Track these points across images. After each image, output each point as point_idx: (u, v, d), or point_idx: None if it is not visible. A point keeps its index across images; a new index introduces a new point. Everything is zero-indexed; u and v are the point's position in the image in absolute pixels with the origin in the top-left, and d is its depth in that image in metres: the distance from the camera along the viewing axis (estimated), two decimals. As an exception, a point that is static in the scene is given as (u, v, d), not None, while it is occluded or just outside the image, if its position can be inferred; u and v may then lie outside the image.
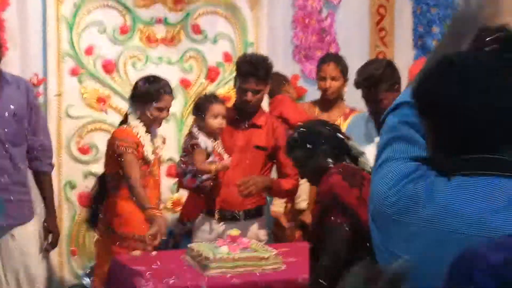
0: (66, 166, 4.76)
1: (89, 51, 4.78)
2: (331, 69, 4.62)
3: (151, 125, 3.98)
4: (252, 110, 4.18)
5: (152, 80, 4.00)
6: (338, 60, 4.70)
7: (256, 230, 4.21)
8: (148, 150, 3.85)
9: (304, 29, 5.37)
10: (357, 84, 3.87)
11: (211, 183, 4.04)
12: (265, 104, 4.62)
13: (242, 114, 4.18)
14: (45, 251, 4.13)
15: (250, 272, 3.34)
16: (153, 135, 4.00)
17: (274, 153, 4.21)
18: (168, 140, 4.31)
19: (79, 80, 4.77)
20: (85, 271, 4.82)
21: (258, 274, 3.33)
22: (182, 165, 4.09)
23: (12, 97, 3.88)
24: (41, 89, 4.68)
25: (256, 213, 4.22)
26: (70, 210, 4.79)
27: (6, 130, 3.83)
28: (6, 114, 3.84)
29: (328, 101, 4.72)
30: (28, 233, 3.98)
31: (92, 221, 4.13)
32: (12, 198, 3.88)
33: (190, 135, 4.09)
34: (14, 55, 4.58)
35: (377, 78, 3.73)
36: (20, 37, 4.62)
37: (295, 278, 3.33)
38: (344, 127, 4.12)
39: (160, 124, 4.01)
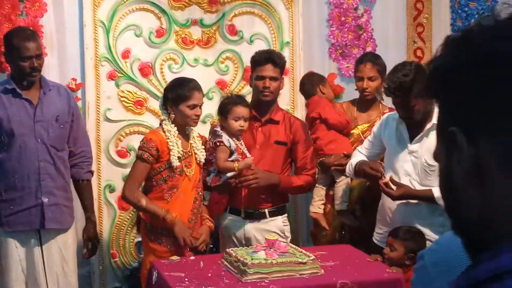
0: (105, 170, 4.79)
1: (125, 54, 4.80)
2: (368, 69, 4.58)
3: (185, 127, 4.00)
4: (270, 99, 4.29)
5: (179, 82, 4.06)
6: (375, 59, 4.66)
7: (282, 227, 4.30)
8: (174, 155, 3.86)
9: (340, 26, 5.32)
10: (387, 92, 3.82)
11: (236, 181, 4.08)
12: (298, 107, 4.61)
13: (260, 111, 4.30)
14: (84, 258, 4.21)
15: (287, 278, 3.33)
16: (188, 137, 4.02)
17: (292, 148, 4.31)
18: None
19: (116, 83, 4.80)
20: (126, 273, 4.86)
21: (296, 279, 3.32)
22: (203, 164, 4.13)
23: (54, 102, 3.98)
24: (79, 93, 4.71)
25: (280, 210, 4.33)
26: (110, 214, 4.82)
27: (49, 134, 3.92)
28: (48, 119, 3.92)
29: (367, 100, 4.69)
30: (69, 240, 4.05)
31: (139, 224, 4.20)
32: (56, 202, 3.95)
33: (214, 133, 4.12)
34: (52, 60, 4.62)
35: (407, 86, 3.63)
36: (58, 42, 4.66)
37: (333, 283, 3.32)
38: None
39: (196, 123, 4.01)
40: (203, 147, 4.07)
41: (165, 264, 3.62)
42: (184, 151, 3.93)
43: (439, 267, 1.46)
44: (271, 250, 3.49)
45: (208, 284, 3.23)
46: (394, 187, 3.76)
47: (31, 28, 4.24)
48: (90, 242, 4.17)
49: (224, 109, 4.09)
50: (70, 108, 4.06)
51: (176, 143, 3.89)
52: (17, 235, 3.93)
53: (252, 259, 3.37)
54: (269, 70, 4.25)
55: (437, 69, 0.89)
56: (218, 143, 4.03)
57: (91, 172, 4.24)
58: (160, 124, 4.01)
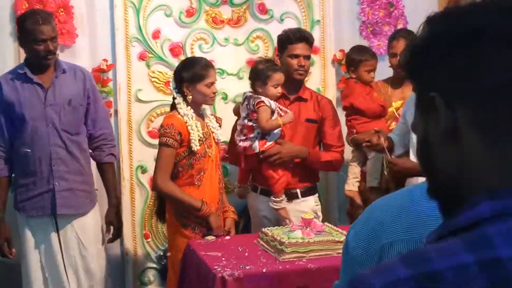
0: (137, 151, 4.78)
1: (156, 35, 4.78)
2: (401, 45, 4.52)
3: (200, 107, 3.95)
4: (303, 78, 4.34)
5: (191, 61, 4.01)
6: (408, 35, 4.59)
7: (314, 207, 4.32)
8: (194, 140, 3.80)
9: (371, 4, 5.25)
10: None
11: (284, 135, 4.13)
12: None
13: (289, 89, 4.29)
14: (108, 242, 4.18)
15: (325, 256, 3.32)
16: (204, 117, 3.98)
17: (320, 124, 4.32)
18: (233, 121, 4.31)
19: (147, 64, 4.78)
20: (158, 253, 4.87)
21: (333, 258, 3.30)
22: (244, 133, 4.10)
23: (67, 86, 3.92)
24: (110, 74, 4.70)
25: (312, 190, 4.35)
26: (142, 194, 4.83)
27: (61, 118, 3.88)
28: (60, 103, 3.88)
29: (400, 77, 4.63)
30: (87, 225, 4.01)
31: (160, 212, 4.10)
32: (70, 187, 3.92)
33: (250, 97, 4.10)
34: (83, 41, 4.62)
35: None
36: (88, 23, 4.65)
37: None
38: None
39: (213, 101, 4.00)
40: (218, 124, 4.04)
41: (201, 244, 3.62)
42: (203, 131, 3.89)
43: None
44: (308, 229, 3.47)
45: (245, 264, 3.21)
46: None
47: (45, 10, 4.15)
48: (112, 226, 4.15)
49: (263, 75, 4.05)
50: (86, 91, 4.00)
51: (196, 126, 3.83)
52: (33, 220, 3.92)
53: (289, 238, 3.35)
54: (303, 48, 4.26)
55: (419, 43, 0.98)
56: (259, 104, 4.01)
57: (113, 155, 4.18)
58: (174, 108, 3.94)
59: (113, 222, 4.15)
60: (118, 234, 4.21)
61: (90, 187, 4.07)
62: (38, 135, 3.84)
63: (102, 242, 4.13)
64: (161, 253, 4.85)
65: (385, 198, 1.44)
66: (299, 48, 4.25)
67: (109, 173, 4.17)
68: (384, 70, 4.78)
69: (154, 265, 4.86)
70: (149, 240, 4.86)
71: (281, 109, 4.14)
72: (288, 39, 4.29)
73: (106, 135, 4.12)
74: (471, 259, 0.82)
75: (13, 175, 3.98)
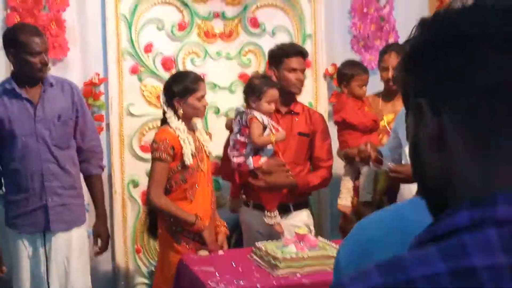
0: (128, 165, 4.77)
1: (148, 48, 4.78)
2: (392, 59, 4.54)
3: (191, 120, 3.92)
4: (300, 91, 4.32)
5: (182, 75, 3.99)
6: (399, 49, 4.61)
7: (307, 220, 4.31)
8: (187, 154, 3.77)
9: (363, 18, 5.28)
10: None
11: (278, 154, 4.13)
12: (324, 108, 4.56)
13: (282, 102, 4.27)
14: (95, 256, 4.13)
15: (319, 272, 3.30)
16: (195, 129, 3.96)
17: (311, 138, 4.33)
18: (225, 135, 4.30)
19: (139, 78, 4.78)
20: (150, 269, 4.84)
21: (327, 273, 3.28)
22: (237, 148, 4.09)
23: (56, 100, 3.87)
24: (102, 88, 4.69)
25: (304, 204, 4.35)
26: (134, 209, 4.81)
27: (51, 133, 3.82)
28: (51, 117, 3.83)
29: (392, 91, 4.65)
30: (72, 239, 3.93)
31: (152, 228, 4.03)
32: (63, 202, 3.86)
33: (243, 113, 4.09)
34: (75, 55, 4.61)
35: None
36: (80, 36, 4.64)
37: (365, 277, 3.28)
38: None
39: (203, 114, 3.97)
40: (207, 137, 4.03)
41: (195, 259, 3.59)
42: (195, 145, 3.86)
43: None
44: (301, 244, 3.45)
45: (240, 279, 3.20)
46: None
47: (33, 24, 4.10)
48: (100, 239, 4.09)
49: (258, 91, 4.03)
50: (74, 104, 3.94)
51: (188, 140, 3.81)
52: (23, 237, 3.84)
53: (283, 253, 3.34)
54: (300, 62, 4.28)
55: (411, 47, 0.97)
56: (251, 120, 4.01)
57: (101, 167, 4.13)
58: (164, 122, 3.91)
59: (101, 235, 4.09)
60: (105, 246, 4.14)
61: (82, 201, 4.02)
62: (29, 151, 3.78)
63: (87, 257, 4.04)
64: (153, 268, 4.82)
65: (376, 214, 1.44)
66: (296, 62, 4.25)
67: (97, 185, 4.11)
68: (375, 84, 4.79)
69: (146, 281, 4.84)
70: (140, 255, 4.84)
71: (273, 127, 4.12)
72: (284, 53, 4.29)
73: (94, 147, 4.06)
74: (444, 268, 0.81)
75: (2, 189, 3.93)
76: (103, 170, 4.18)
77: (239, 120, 4.09)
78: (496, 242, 0.81)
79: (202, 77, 3.99)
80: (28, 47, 3.69)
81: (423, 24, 0.95)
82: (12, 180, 3.83)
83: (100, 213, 4.11)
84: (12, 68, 3.91)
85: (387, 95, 4.71)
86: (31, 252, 3.85)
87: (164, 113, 3.88)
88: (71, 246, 3.91)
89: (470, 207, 0.85)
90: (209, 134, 4.07)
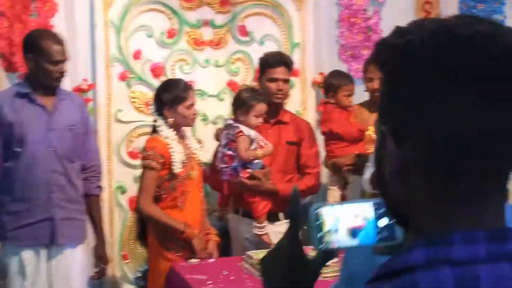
0: (116, 171, 4.75)
1: (137, 55, 4.77)
2: (377, 70, 4.56)
3: (181, 129, 3.93)
4: (282, 101, 4.32)
5: (171, 83, 3.99)
6: None
7: None
8: (176, 163, 3.77)
9: (350, 28, 5.31)
10: None
11: (267, 169, 4.13)
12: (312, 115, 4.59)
13: (269, 112, 4.25)
14: (92, 279, 4.01)
15: (311, 280, 3.31)
16: (185, 137, 3.97)
17: (298, 146, 4.34)
18: (214, 143, 4.30)
19: (127, 84, 4.77)
20: (136, 275, 4.82)
21: (319, 282, 3.29)
22: (225, 161, 4.10)
23: (69, 111, 3.78)
24: (90, 94, 4.67)
25: None
26: (121, 215, 4.79)
27: (62, 144, 3.71)
28: (63, 128, 3.73)
29: (376, 101, 4.67)
30: (76, 258, 3.82)
31: (141, 236, 4.03)
32: (69, 216, 3.74)
33: (230, 126, 4.10)
34: (64, 61, 4.59)
35: None
36: (69, 42, 4.55)
37: (356, 286, 3.30)
38: None
39: (193, 122, 3.99)
40: (199, 145, 4.03)
41: (185, 267, 3.59)
42: (185, 153, 3.88)
43: None
44: (293, 252, 3.46)
45: (233, 287, 3.20)
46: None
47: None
48: (101, 262, 3.97)
49: (246, 105, 4.05)
50: (83, 119, 3.89)
51: (178, 149, 3.81)
52: (24, 250, 3.66)
53: (275, 262, 3.34)
54: (282, 72, 4.26)
55: (382, 73, 0.95)
56: (238, 134, 4.01)
57: (100, 188, 4.05)
58: (155, 130, 3.91)
59: (103, 258, 3.98)
60: (105, 270, 4.06)
61: (85, 217, 3.89)
62: (38, 160, 3.63)
63: (86, 277, 3.96)
64: (140, 275, 4.80)
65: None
66: (278, 72, 4.25)
67: (97, 205, 4.00)
68: (360, 94, 4.82)
69: (132, 287, 4.81)
70: (128, 261, 4.82)
71: (260, 141, 4.14)
72: (267, 63, 4.31)
73: (95, 167, 3.96)
74: None
75: None
76: (101, 191, 4.10)
77: (226, 133, 4.11)
78: (448, 282, 0.82)
79: (191, 85, 3.99)
80: (49, 55, 3.60)
81: (395, 48, 0.90)
82: (14, 189, 3.65)
83: (101, 234, 4.00)
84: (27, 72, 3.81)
85: (372, 105, 4.74)
86: (32, 266, 3.67)
87: (155, 121, 3.88)
88: (76, 263, 3.81)
89: (426, 245, 0.85)
90: (200, 142, 4.06)
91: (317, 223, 1.10)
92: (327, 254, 1.16)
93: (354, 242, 1.10)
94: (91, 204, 3.93)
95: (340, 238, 1.10)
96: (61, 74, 3.67)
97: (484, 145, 0.85)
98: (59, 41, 3.68)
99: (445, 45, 0.86)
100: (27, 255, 3.67)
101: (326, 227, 1.11)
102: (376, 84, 4.57)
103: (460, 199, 0.87)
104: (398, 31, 0.92)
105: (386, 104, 0.93)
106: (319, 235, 1.10)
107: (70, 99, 3.85)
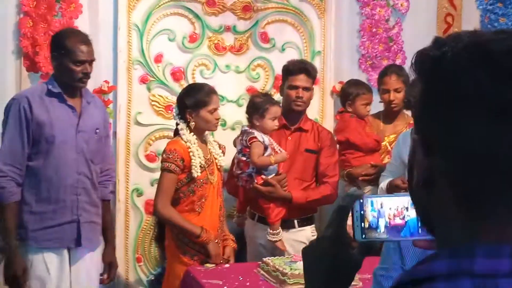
0: (133, 173, 4.76)
1: (158, 58, 4.79)
2: (393, 81, 4.59)
3: (204, 133, 3.95)
4: (302, 109, 4.34)
5: (195, 87, 4.01)
6: (399, 71, 4.66)
7: (311, 237, 4.29)
8: (195, 167, 3.78)
9: (371, 37, 5.31)
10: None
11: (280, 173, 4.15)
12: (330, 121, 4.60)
13: (289, 119, 4.32)
14: (104, 283, 3.97)
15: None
16: (207, 142, 3.98)
17: (318, 154, 4.35)
18: (233, 149, 4.31)
19: (147, 87, 4.78)
20: (150, 278, 4.83)
21: None
22: (240, 167, 4.11)
23: (94, 114, 3.79)
24: (111, 96, 4.69)
25: (309, 220, 4.37)
26: (137, 217, 4.80)
27: (89, 147, 3.71)
28: (90, 131, 3.72)
29: (392, 112, 4.68)
30: (94, 261, 3.83)
31: (160, 238, 4.05)
32: (91, 219, 3.74)
33: (245, 132, 4.13)
34: (86, 62, 4.61)
35: None
36: (92, 44, 4.63)
37: (372, 296, 3.29)
38: None
39: (217, 127, 3.99)
40: (221, 151, 4.04)
41: (202, 271, 3.60)
42: (206, 158, 3.88)
43: None
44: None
45: (249, 293, 3.21)
46: None
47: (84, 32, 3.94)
48: (111, 267, 3.94)
49: (261, 108, 4.07)
50: (105, 122, 3.91)
51: (198, 153, 3.82)
52: (47, 251, 3.61)
53: (291, 269, 3.35)
54: (302, 80, 4.28)
55: (417, 94, 0.96)
56: (251, 140, 4.02)
57: (113, 193, 4.03)
58: (177, 134, 3.94)
59: (113, 263, 3.96)
60: (114, 276, 4.03)
61: (101, 220, 3.87)
62: (66, 161, 3.61)
63: (99, 281, 3.93)
64: (153, 278, 4.82)
65: None
66: (299, 80, 4.27)
67: (109, 210, 3.99)
68: (376, 104, 4.82)
69: (146, 289, 4.83)
70: (141, 264, 4.83)
71: (275, 148, 4.16)
72: (288, 70, 4.33)
73: (110, 172, 3.97)
74: None
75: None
76: (113, 196, 4.11)
77: (241, 140, 4.12)
78: None
79: (215, 90, 3.99)
80: (73, 55, 3.60)
81: (423, 73, 0.93)
82: (40, 190, 3.60)
83: (111, 239, 4.01)
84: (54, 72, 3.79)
85: (387, 117, 4.75)
86: (54, 270, 3.63)
87: (177, 124, 3.90)
88: (93, 267, 3.81)
89: (449, 256, 0.85)
90: (223, 148, 4.06)
91: (360, 214, 1.12)
92: (368, 246, 1.16)
93: (396, 236, 1.11)
94: (105, 209, 3.92)
95: (381, 231, 1.11)
96: (85, 75, 3.65)
97: (511, 164, 0.85)
98: (85, 41, 3.67)
99: (475, 60, 0.86)
100: (51, 257, 3.62)
101: (369, 219, 1.12)
102: (392, 96, 4.58)
103: (486, 214, 0.87)
104: (436, 42, 0.92)
105: (420, 114, 0.94)
106: (361, 226, 1.11)
107: (94, 102, 3.85)
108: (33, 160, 3.60)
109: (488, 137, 0.84)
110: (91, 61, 3.68)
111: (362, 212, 1.13)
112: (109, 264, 3.94)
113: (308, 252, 1.21)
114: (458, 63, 0.87)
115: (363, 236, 1.12)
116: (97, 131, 3.77)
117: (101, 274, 3.92)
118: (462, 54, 0.87)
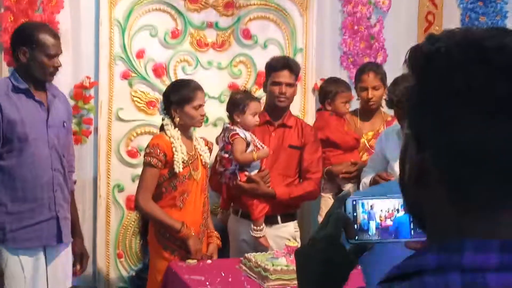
0: (115, 169, 4.74)
1: (140, 54, 4.77)
2: (371, 79, 4.61)
3: (189, 129, 3.95)
4: (285, 105, 4.35)
5: (180, 83, 4.02)
6: (376, 68, 4.68)
7: (294, 233, 4.35)
8: (178, 162, 3.78)
9: (353, 35, 5.33)
10: (389, 105, 3.79)
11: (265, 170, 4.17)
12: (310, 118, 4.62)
13: (273, 115, 4.34)
14: (76, 275, 3.94)
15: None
16: (192, 139, 3.98)
17: (301, 150, 4.36)
18: (214, 145, 4.31)
19: (129, 83, 4.77)
20: (131, 274, 4.83)
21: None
22: (223, 164, 4.12)
23: (59, 107, 3.74)
24: (92, 92, 4.67)
25: (291, 216, 4.39)
26: (118, 213, 4.78)
27: (59, 140, 3.66)
28: (58, 124, 3.68)
29: (369, 110, 4.71)
30: (69, 257, 3.80)
31: (144, 233, 4.05)
32: (65, 215, 3.71)
33: (226, 129, 4.14)
34: (67, 57, 4.54)
35: None
36: (73, 39, 4.61)
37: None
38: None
39: (201, 123, 3.98)
40: (206, 147, 4.05)
41: (183, 267, 3.60)
42: (190, 154, 3.89)
43: None
44: (291, 257, 3.48)
45: (231, 289, 3.22)
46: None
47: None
48: (82, 258, 3.92)
49: (241, 105, 4.10)
50: (69, 114, 3.87)
51: (181, 148, 3.82)
52: (23, 252, 3.54)
53: (273, 265, 3.36)
54: (285, 76, 4.29)
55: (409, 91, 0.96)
56: (233, 137, 4.03)
57: (74, 183, 3.97)
58: (162, 129, 3.95)
59: (83, 254, 3.93)
60: (85, 266, 3.99)
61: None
62: (40, 158, 3.54)
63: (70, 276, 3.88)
64: (134, 274, 4.81)
65: None
66: (282, 76, 4.28)
67: (74, 201, 3.92)
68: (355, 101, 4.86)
69: (126, 286, 4.82)
70: (122, 260, 4.82)
71: (257, 144, 4.16)
72: (272, 67, 4.35)
73: (72, 162, 3.91)
74: None
75: None
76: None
77: (222, 137, 4.13)
78: (456, 287, 0.83)
79: (200, 86, 3.98)
80: (46, 48, 3.55)
81: (416, 69, 0.93)
82: (16, 189, 3.52)
83: (79, 231, 3.96)
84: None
85: (365, 114, 4.78)
86: (31, 268, 3.56)
87: (163, 119, 3.90)
88: (68, 262, 3.79)
89: (438, 250, 0.86)
90: (211, 145, 4.07)
91: (353, 215, 1.12)
92: (361, 247, 1.18)
93: (387, 237, 1.11)
94: (71, 201, 3.86)
95: (373, 232, 1.12)
96: (55, 68, 3.61)
97: (503, 160, 0.86)
98: (54, 35, 3.65)
99: (468, 57, 0.87)
100: (26, 257, 3.56)
101: (360, 220, 1.13)
102: (370, 93, 4.61)
103: (477, 209, 0.88)
104: (430, 38, 0.93)
105: (413, 109, 0.94)
106: (354, 227, 1.12)
107: (59, 96, 3.81)
108: (5, 160, 3.52)
109: (481, 133, 0.85)
110: (59, 54, 3.65)
111: (355, 214, 1.14)
112: (80, 255, 3.91)
113: (302, 254, 1.22)
114: (451, 59, 0.88)
115: (355, 237, 1.13)
116: (65, 124, 3.74)
117: (73, 266, 3.89)
118: (455, 50, 0.88)
